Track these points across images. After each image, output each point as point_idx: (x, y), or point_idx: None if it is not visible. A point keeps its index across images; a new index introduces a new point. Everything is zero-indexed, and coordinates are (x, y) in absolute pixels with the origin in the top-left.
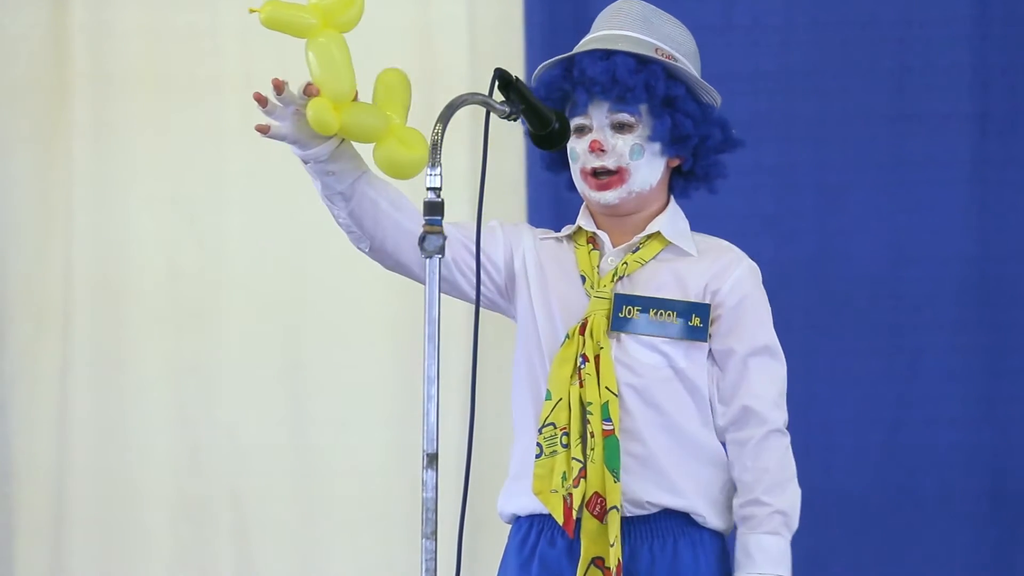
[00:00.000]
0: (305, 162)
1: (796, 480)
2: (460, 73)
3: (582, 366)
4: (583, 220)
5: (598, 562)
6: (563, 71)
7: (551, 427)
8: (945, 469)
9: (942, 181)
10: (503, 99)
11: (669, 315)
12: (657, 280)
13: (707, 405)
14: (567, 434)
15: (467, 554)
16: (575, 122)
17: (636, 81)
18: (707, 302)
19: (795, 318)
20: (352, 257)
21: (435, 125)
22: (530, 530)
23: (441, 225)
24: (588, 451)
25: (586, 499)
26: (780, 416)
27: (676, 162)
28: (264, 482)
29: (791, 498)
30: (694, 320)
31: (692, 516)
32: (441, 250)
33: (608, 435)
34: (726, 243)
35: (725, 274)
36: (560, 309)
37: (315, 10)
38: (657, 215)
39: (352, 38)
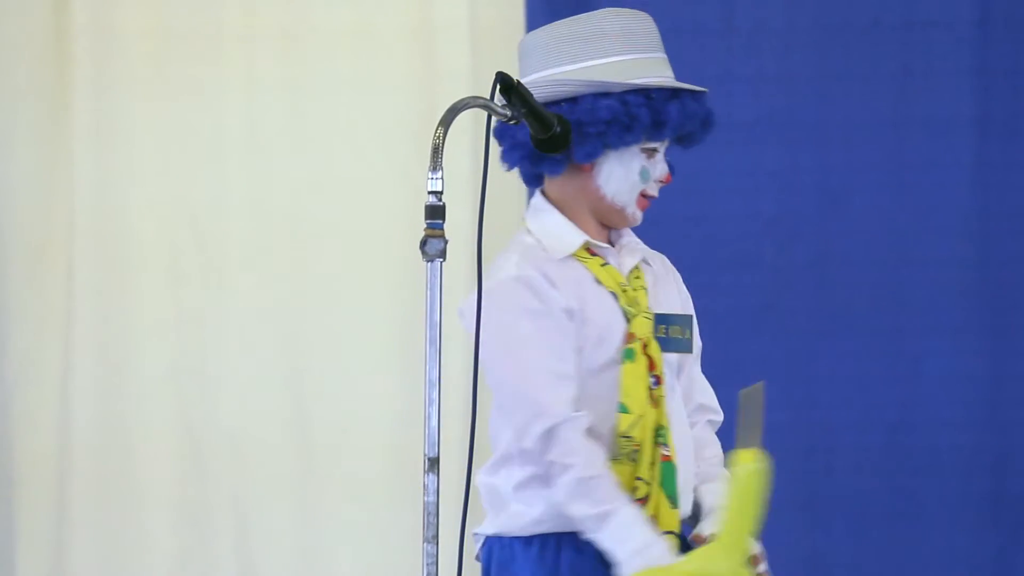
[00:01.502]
0: None
1: None
2: (461, 76)
3: (654, 387)
4: (582, 234)
5: None
6: (680, 107)
7: (627, 439)
8: (947, 471)
9: (944, 184)
10: (504, 103)
11: (679, 330)
12: (662, 295)
13: None
14: (638, 451)
15: (468, 558)
16: (650, 144)
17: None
18: (690, 314)
19: (796, 321)
20: (354, 259)
21: (436, 129)
22: (558, 545)
23: (442, 229)
24: (651, 474)
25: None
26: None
27: None
28: (266, 485)
29: None
30: (686, 333)
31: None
32: (442, 254)
33: (665, 460)
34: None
35: (676, 281)
36: (604, 321)
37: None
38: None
39: (354, 42)
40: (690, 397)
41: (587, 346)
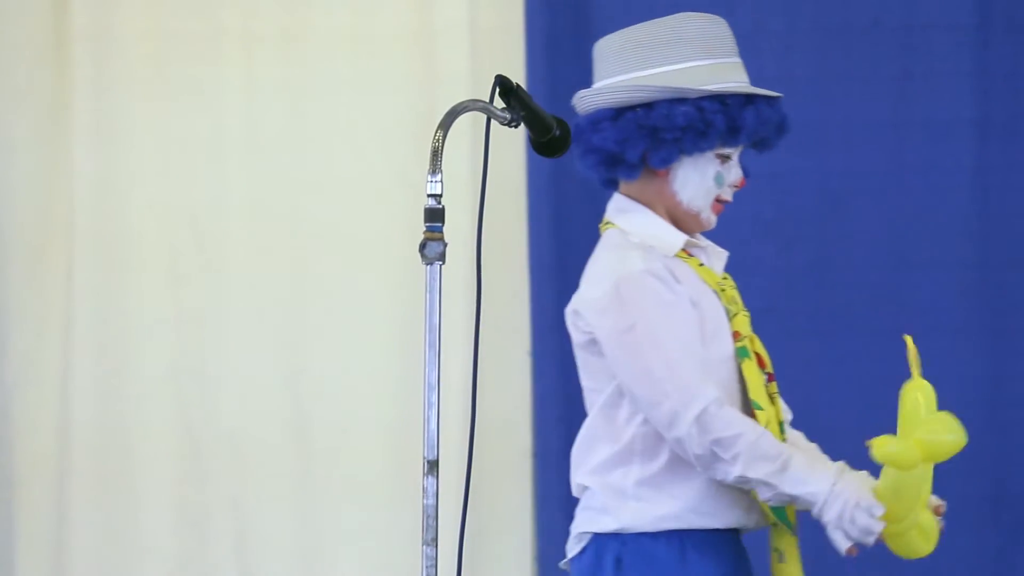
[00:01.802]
0: None
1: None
2: (461, 79)
3: (768, 384)
4: (682, 234)
5: None
6: (756, 113)
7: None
8: (946, 473)
9: (943, 187)
10: (504, 106)
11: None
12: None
13: None
14: None
15: (467, 561)
16: (726, 150)
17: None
18: None
19: (796, 323)
20: (353, 260)
21: (436, 132)
22: (682, 545)
23: (442, 232)
24: None
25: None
26: None
27: None
28: (265, 485)
29: None
30: None
31: None
32: (441, 257)
33: None
34: None
35: None
36: (715, 316)
37: (921, 447)
38: None
39: (354, 45)
40: None
41: (705, 339)
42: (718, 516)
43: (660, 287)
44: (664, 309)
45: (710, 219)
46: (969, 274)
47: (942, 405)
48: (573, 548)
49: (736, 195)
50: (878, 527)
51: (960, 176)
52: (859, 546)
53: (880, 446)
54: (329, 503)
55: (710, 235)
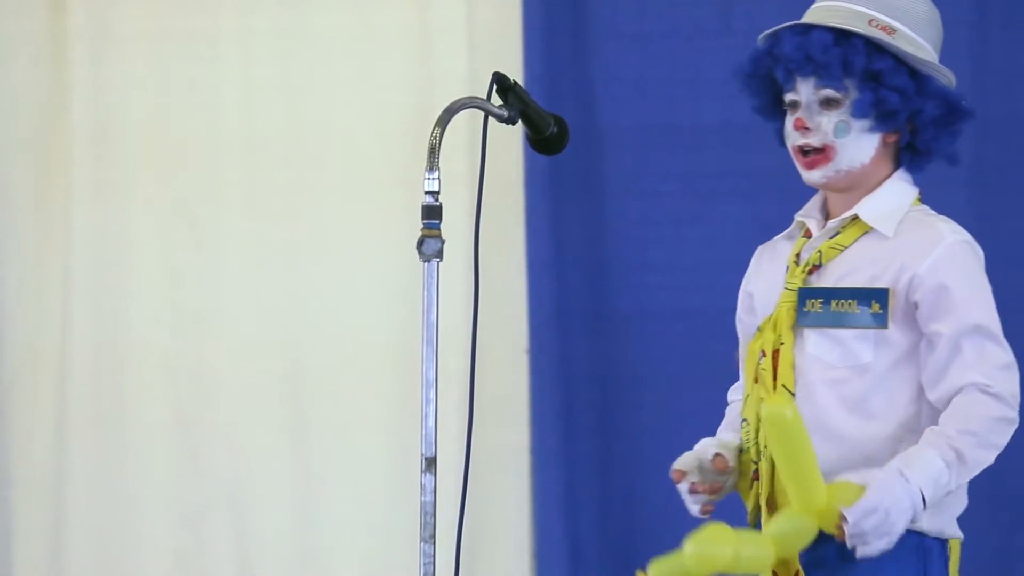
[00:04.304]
0: None
1: (995, 452)
2: (458, 77)
3: (760, 361)
4: (807, 206)
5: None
6: (768, 46)
7: (746, 423)
8: None
9: (941, 185)
10: (501, 103)
11: (850, 304)
12: (850, 267)
13: (898, 403)
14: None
15: (465, 558)
16: (788, 97)
17: (831, 57)
18: (886, 287)
19: None
20: (351, 262)
21: (433, 129)
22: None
23: (439, 229)
24: (761, 450)
25: (763, 499)
26: (1003, 387)
27: (893, 137)
28: (263, 487)
29: (980, 455)
30: (874, 307)
31: None
32: (439, 254)
33: None
34: (933, 220)
35: (921, 255)
36: (763, 303)
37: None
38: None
39: (351, 43)
40: (945, 375)
41: (744, 314)
42: None
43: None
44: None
45: (803, 174)
46: None
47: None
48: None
49: (733, 194)
50: None
51: (957, 173)
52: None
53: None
54: (327, 501)
55: (708, 235)
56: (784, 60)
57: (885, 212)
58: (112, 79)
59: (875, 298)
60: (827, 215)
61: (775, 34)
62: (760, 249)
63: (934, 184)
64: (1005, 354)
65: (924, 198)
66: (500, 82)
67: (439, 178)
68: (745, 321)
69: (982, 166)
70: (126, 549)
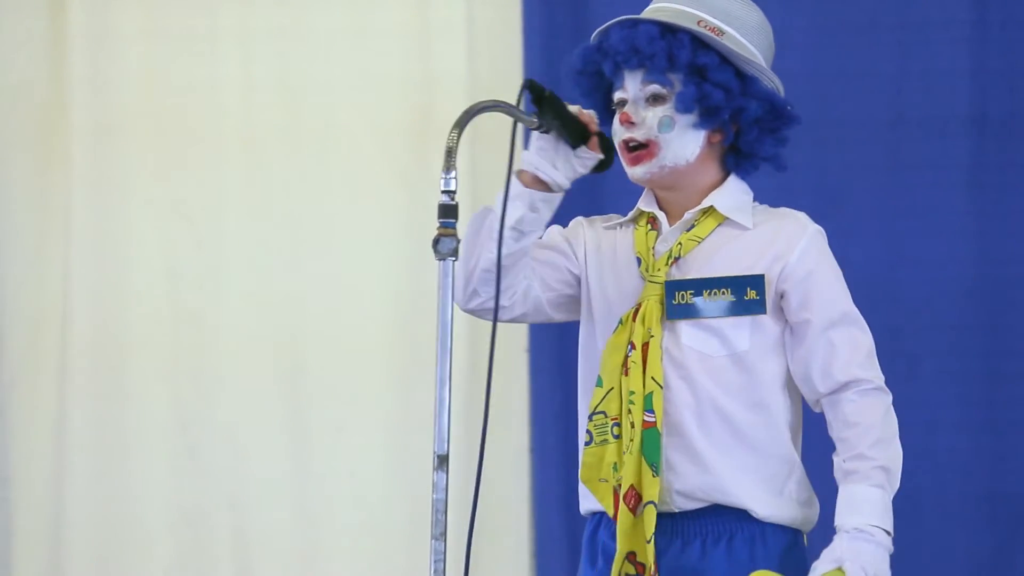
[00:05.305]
0: (551, 190)
1: (899, 439)
2: (458, 77)
3: (629, 354)
4: (644, 200)
5: (631, 557)
6: (598, 42)
7: (602, 415)
8: (943, 472)
9: (940, 184)
10: (514, 103)
11: (723, 292)
12: (712, 258)
13: (772, 390)
14: (618, 424)
15: (476, 555)
16: (616, 95)
17: (656, 49)
18: (760, 273)
19: None
20: (350, 262)
21: (451, 130)
22: (597, 525)
23: (455, 228)
24: (627, 442)
25: (623, 492)
26: (876, 375)
27: (717, 137)
28: (262, 487)
29: (894, 455)
30: (749, 293)
31: (749, 512)
32: (454, 253)
33: (648, 427)
34: (786, 210)
35: (791, 245)
36: (616, 293)
37: None
38: (711, 190)
39: (351, 42)
40: (826, 372)
41: (596, 304)
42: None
43: None
44: None
45: (627, 171)
46: (965, 271)
47: (941, 405)
48: None
49: None
50: None
51: (957, 173)
52: None
53: None
54: (327, 501)
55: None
56: (612, 53)
57: (739, 205)
58: (112, 78)
59: (750, 285)
60: (665, 213)
61: (605, 30)
62: (590, 221)
63: (931, 183)
64: (868, 336)
65: (922, 199)
66: (533, 90)
67: (456, 177)
68: (569, 240)
69: (982, 166)
70: (125, 548)
